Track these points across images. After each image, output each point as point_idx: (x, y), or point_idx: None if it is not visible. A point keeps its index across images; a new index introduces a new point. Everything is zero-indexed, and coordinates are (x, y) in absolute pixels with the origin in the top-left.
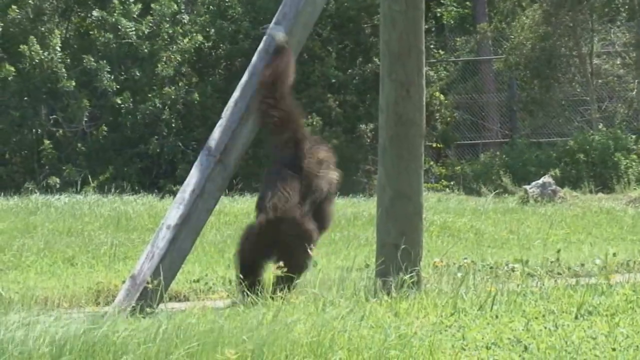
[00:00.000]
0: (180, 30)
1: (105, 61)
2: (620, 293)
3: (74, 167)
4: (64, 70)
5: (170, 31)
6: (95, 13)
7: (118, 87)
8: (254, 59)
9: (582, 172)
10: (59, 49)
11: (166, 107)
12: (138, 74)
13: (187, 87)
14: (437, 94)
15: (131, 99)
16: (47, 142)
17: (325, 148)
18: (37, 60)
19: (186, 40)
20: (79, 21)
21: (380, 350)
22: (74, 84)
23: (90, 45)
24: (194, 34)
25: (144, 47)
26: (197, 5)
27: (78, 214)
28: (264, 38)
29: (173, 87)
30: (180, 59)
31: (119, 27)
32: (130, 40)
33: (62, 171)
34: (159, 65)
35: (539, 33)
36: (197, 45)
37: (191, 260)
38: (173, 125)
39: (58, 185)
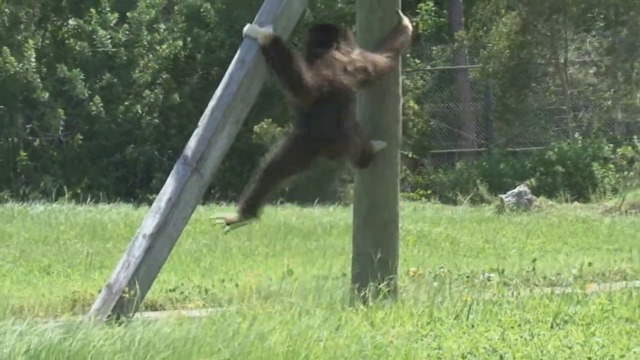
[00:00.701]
0: (158, 37)
1: (79, 69)
2: (596, 302)
3: (50, 175)
4: (38, 80)
5: (149, 38)
6: (71, 22)
7: (90, 93)
8: (230, 68)
9: (558, 181)
10: (33, 60)
11: (143, 114)
12: (114, 81)
13: (163, 94)
14: (412, 103)
15: (101, 104)
16: (23, 153)
17: None
18: (12, 72)
19: (165, 46)
20: (55, 30)
21: (356, 359)
22: (48, 94)
23: (66, 54)
24: (173, 41)
25: (121, 54)
26: (173, 14)
27: (54, 222)
28: (241, 47)
29: (150, 93)
30: (157, 67)
31: (95, 36)
32: (106, 49)
33: (39, 180)
34: (136, 72)
35: (516, 41)
36: (175, 52)
37: (167, 269)
38: (149, 133)
39: (34, 194)
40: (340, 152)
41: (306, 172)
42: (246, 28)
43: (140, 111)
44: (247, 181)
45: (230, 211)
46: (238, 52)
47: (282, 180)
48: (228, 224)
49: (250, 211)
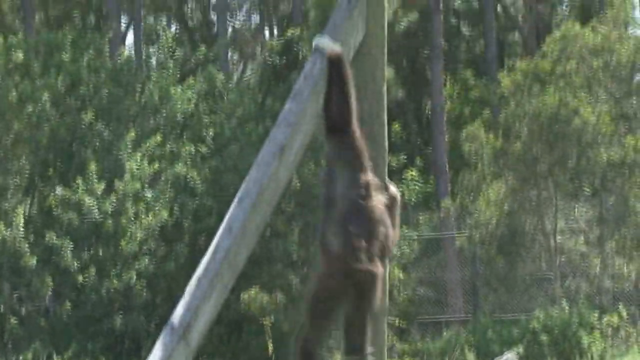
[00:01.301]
0: (144, 207)
1: (68, 238)
2: None
3: (39, 343)
4: (26, 247)
5: (134, 209)
6: (58, 191)
7: (79, 264)
8: (217, 235)
9: (545, 349)
10: (22, 227)
11: (131, 283)
12: (101, 252)
13: (152, 263)
14: (397, 271)
15: (95, 276)
16: (13, 319)
17: None
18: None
19: (150, 216)
20: (43, 198)
21: None
22: (35, 261)
23: (54, 222)
24: (158, 209)
25: (108, 224)
26: (160, 183)
27: None
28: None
29: (137, 262)
30: (144, 236)
31: (82, 205)
32: (93, 219)
33: (27, 347)
34: (123, 242)
35: (504, 209)
36: (162, 221)
37: None
38: (137, 302)
39: None
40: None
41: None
42: (316, 39)
43: (128, 280)
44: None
45: None
46: (227, 216)
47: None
48: None
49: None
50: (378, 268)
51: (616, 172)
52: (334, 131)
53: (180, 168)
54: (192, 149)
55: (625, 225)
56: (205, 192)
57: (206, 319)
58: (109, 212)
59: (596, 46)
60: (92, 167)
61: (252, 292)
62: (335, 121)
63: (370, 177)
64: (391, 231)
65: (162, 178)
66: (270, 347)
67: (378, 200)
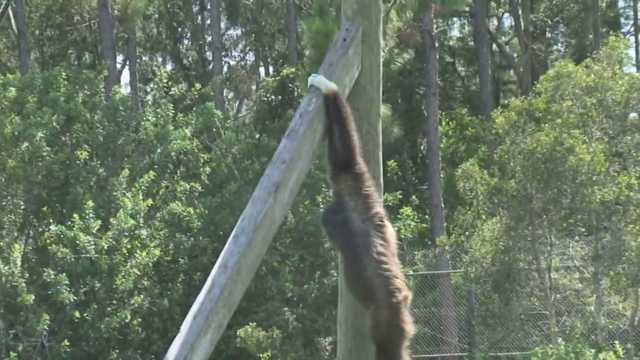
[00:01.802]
0: (139, 245)
1: (64, 274)
2: None
3: None
4: (23, 284)
5: (129, 246)
6: (52, 227)
7: (76, 299)
8: (213, 272)
9: None
10: (19, 263)
11: (126, 320)
12: (97, 288)
13: (147, 300)
14: None
15: (92, 313)
16: (12, 354)
17: None
18: None
19: (144, 254)
20: (37, 235)
21: None
22: (33, 297)
23: (49, 259)
24: (151, 248)
25: (104, 261)
26: (155, 220)
27: None
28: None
29: (132, 302)
30: (139, 273)
31: (78, 242)
32: (89, 255)
33: None
34: (118, 280)
35: (499, 246)
36: (155, 259)
37: None
38: (133, 339)
39: None
40: None
41: None
42: (312, 77)
43: (124, 317)
44: None
45: None
46: (222, 253)
47: None
48: None
49: None
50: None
51: (610, 210)
52: (340, 169)
53: (175, 205)
54: (187, 186)
55: (620, 263)
56: (201, 230)
57: (202, 355)
58: (105, 249)
59: (590, 84)
60: (90, 204)
61: (249, 328)
62: (341, 159)
63: (381, 209)
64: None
65: (158, 215)
66: None
67: (391, 231)
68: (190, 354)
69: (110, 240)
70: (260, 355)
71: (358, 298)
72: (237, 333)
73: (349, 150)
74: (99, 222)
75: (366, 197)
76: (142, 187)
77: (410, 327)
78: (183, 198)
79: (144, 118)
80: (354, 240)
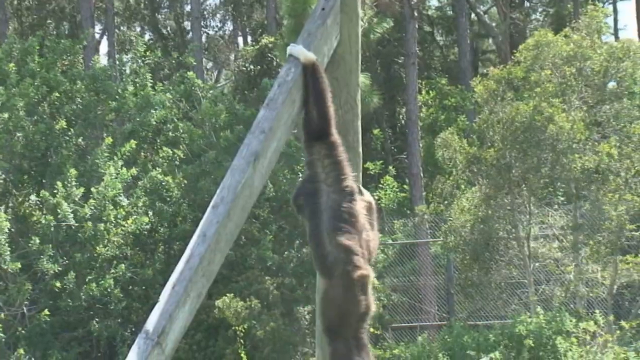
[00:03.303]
0: (123, 212)
1: (49, 245)
2: None
3: (19, 350)
4: (8, 253)
5: (113, 213)
6: (33, 197)
7: (59, 269)
8: (192, 241)
9: (522, 355)
10: (6, 230)
11: (107, 289)
12: (78, 257)
13: (129, 269)
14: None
15: (73, 282)
16: None
17: None
18: None
19: (130, 221)
20: (18, 205)
21: None
22: (19, 265)
23: (28, 229)
24: (138, 216)
25: (87, 227)
26: (136, 189)
27: None
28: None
29: (114, 271)
30: (122, 241)
31: (59, 210)
32: (70, 224)
33: (9, 355)
34: (101, 247)
35: (478, 215)
36: (142, 226)
37: None
38: (113, 308)
39: None
40: None
41: None
42: (290, 47)
43: (105, 286)
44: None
45: None
46: (201, 223)
47: None
48: None
49: None
50: (370, 270)
51: (590, 179)
52: (314, 139)
53: (156, 174)
54: (170, 152)
55: (599, 232)
56: (181, 198)
57: (181, 325)
58: (86, 218)
59: (569, 54)
60: (72, 172)
61: (227, 298)
62: (315, 129)
63: (353, 182)
64: (372, 235)
65: (139, 184)
66: (243, 354)
67: (361, 205)
68: (169, 323)
69: (92, 208)
70: (236, 328)
71: (318, 271)
72: (215, 304)
73: (324, 121)
74: (82, 189)
75: (338, 170)
76: (124, 156)
77: (365, 308)
78: (164, 164)
79: (123, 87)
80: (319, 214)
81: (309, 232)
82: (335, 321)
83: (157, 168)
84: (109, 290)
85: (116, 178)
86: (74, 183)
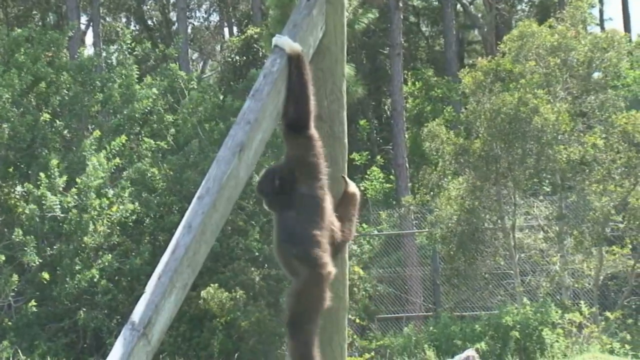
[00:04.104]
0: (107, 202)
1: (32, 236)
2: None
3: (5, 341)
4: None
5: (97, 203)
6: (19, 188)
7: (41, 261)
8: (177, 232)
9: (507, 345)
10: None
11: (93, 280)
12: (64, 246)
13: (115, 260)
14: (356, 268)
15: (58, 273)
16: None
17: None
18: None
19: (114, 209)
20: (3, 196)
21: None
22: (3, 258)
23: (14, 221)
24: (123, 204)
25: (72, 216)
26: (120, 181)
27: None
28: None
29: (100, 258)
30: (108, 231)
31: (44, 201)
32: (55, 214)
33: None
34: (86, 238)
35: (464, 206)
36: (127, 214)
37: None
38: (99, 298)
39: None
40: None
41: None
42: (276, 38)
43: (90, 277)
44: (195, 346)
45: None
46: (186, 214)
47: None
48: None
49: None
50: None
51: (575, 170)
52: (292, 130)
53: (141, 165)
54: (153, 144)
55: (584, 222)
56: (166, 189)
57: (166, 316)
58: (71, 208)
59: (553, 44)
60: (54, 162)
61: (211, 289)
62: (294, 121)
63: (325, 177)
64: (339, 229)
65: (124, 174)
66: (230, 345)
67: (329, 202)
68: (155, 314)
69: (76, 197)
70: (220, 319)
71: (283, 266)
72: (201, 294)
73: (303, 114)
74: (64, 178)
75: (312, 166)
76: (113, 150)
77: (326, 303)
78: (149, 155)
79: (110, 78)
80: (290, 207)
81: (277, 224)
82: (301, 316)
83: (143, 160)
84: (95, 281)
85: (99, 168)
86: (56, 173)
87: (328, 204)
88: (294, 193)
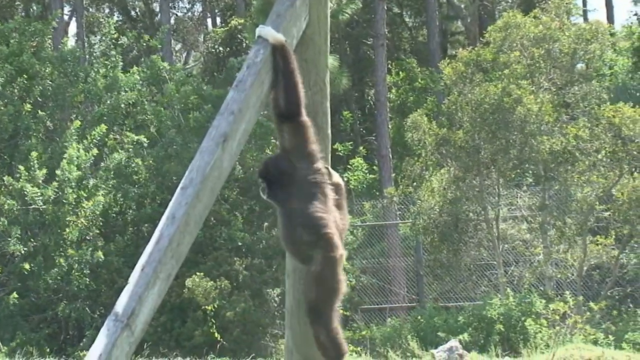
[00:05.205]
0: (85, 195)
1: (17, 226)
2: None
3: None
4: None
5: (74, 196)
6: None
7: (25, 251)
8: (161, 223)
9: (491, 336)
10: None
11: (74, 271)
12: (46, 239)
13: (93, 250)
14: None
15: (40, 264)
16: None
17: None
18: None
19: (90, 203)
20: None
21: None
22: None
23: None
24: (98, 196)
25: (50, 211)
26: (100, 171)
27: None
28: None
29: (79, 250)
30: (86, 223)
31: (25, 192)
32: (36, 206)
33: None
34: (66, 230)
35: (447, 197)
36: (101, 207)
37: None
38: (80, 290)
39: None
40: None
41: None
42: (259, 28)
43: (71, 268)
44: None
45: None
46: (170, 205)
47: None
48: None
49: None
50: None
51: (558, 161)
52: (284, 119)
53: (122, 156)
54: (135, 137)
55: (567, 213)
56: (149, 180)
57: (150, 306)
58: (51, 200)
59: (538, 35)
60: (34, 154)
61: (196, 278)
62: (285, 110)
63: (322, 164)
64: (339, 216)
65: (102, 165)
66: (216, 334)
67: (330, 188)
68: (139, 305)
69: (56, 190)
70: (206, 307)
71: (292, 255)
72: (185, 283)
73: (294, 102)
74: (44, 171)
75: (308, 153)
76: (94, 140)
77: (343, 286)
78: (130, 149)
79: (93, 69)
80: (292, 195)
81: (282, 214)
82: (320, 302)
83: (124, 151)
84: (74, 272)
85: (75, 161)
86: (36, 165)
87: (329, 189)
88: (294, 181)
